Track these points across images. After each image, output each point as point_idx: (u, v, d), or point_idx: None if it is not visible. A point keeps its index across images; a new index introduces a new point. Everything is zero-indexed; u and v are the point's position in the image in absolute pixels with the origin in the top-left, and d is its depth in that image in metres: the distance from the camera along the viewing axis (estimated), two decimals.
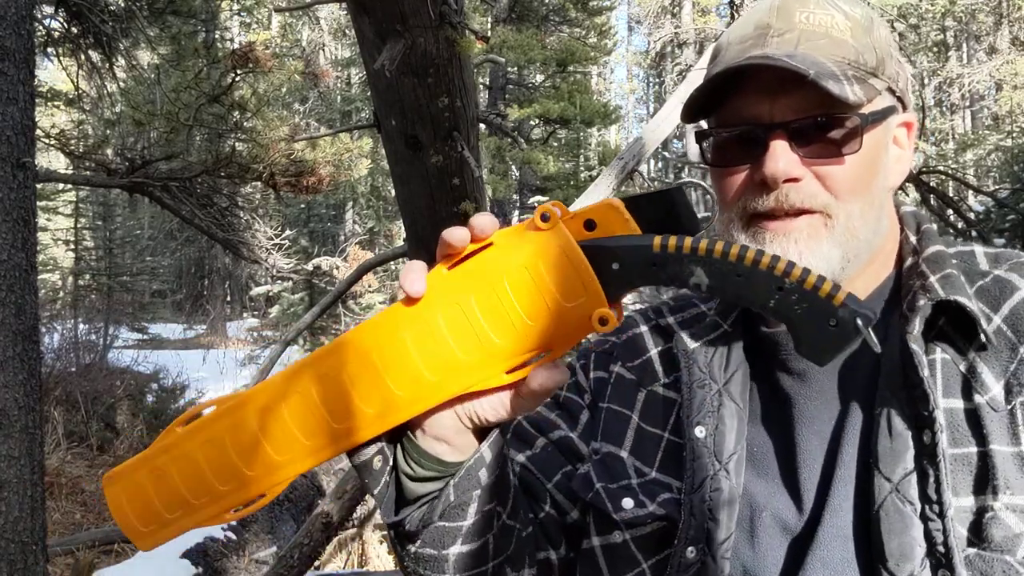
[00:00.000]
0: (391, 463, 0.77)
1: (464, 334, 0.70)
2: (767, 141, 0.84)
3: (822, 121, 0.83)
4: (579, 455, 0.98)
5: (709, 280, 0.63)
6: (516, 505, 0.88)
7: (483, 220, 0.70)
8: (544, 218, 0.68)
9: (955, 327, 0.82)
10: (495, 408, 0.74)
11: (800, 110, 0.83)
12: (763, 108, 0.85)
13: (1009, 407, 0.77)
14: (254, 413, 0.74)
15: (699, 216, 0.68)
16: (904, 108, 0.91)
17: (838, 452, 0.83)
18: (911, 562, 0.75)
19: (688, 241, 0.64)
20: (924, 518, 0.76)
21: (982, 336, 0.80)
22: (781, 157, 0.82)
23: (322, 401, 0.72)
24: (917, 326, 0.81)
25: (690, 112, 0.91)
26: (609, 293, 0.67)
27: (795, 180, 0.83)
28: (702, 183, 0.75)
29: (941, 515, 0.75)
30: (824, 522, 0.82)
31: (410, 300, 0.70)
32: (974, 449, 0.77)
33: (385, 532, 6.48)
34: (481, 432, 0.78)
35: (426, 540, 0.80)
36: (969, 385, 0.79)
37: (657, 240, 0.65)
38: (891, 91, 0.88)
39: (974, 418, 0.78)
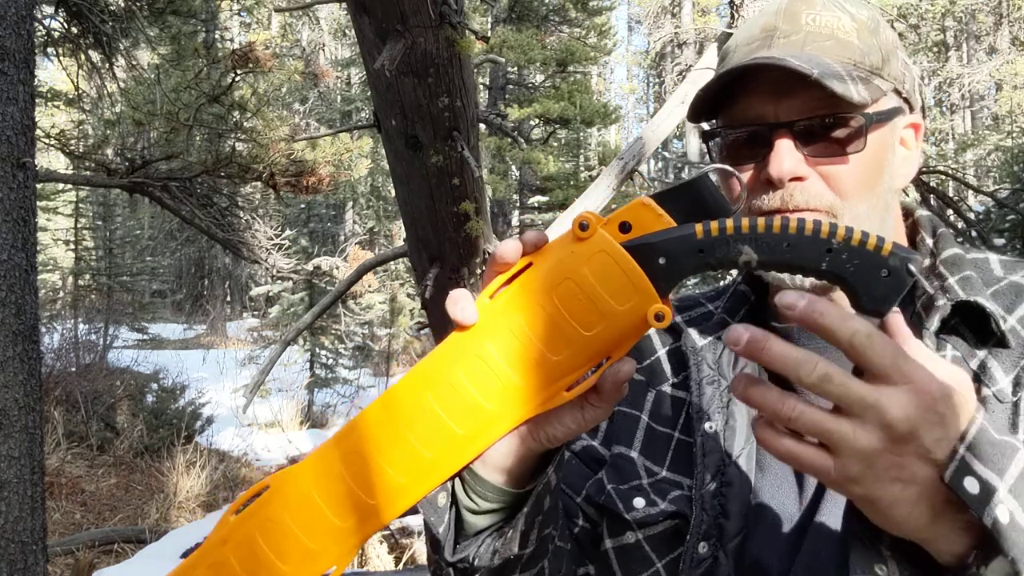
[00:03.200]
0: (451, 499, 0.75)
1: (520, 359, 0.68)
2: (772, 141, 0.84)
3: (827, 121, 0.84)
4: (602, 462, 0.98)
5: (759, 255, 0.63)
6: (564, 526, 0.87)
7: (534, 234, 0.70)
8: (583, 227, 0.67)
9: (968, 326, 0.83)
10: (566, 424, 0.71)
11: (805, 110, 0.84)
12: (768, 108, 0.85)
13: (1015, 399, 0.78)
14: (314, 482, 0.70)
15: (727, 200, 0.68)
16: (911, 109, 0.91)
17: None
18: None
19: (730, 222, 0.64)
20: None
21: (998, 334, 0.81)
22: (786, 156, 0.83)
23: (382, 457, 0.69)
24: (935, 323, 0.82)
25: (696, 112, 0.92)
26: (660, 288, 0.66)
27: (800, 179, 0.84)
28: (728, 167, 0.75)
29: None
30: (822, 509, 0.83)
31: (462, 328, 0.68)
32: None
33: (385, 533, 6.48)
34: (537, 456, 0.75)
35: (484, 573, 0.77)
36: (979, 380, 0.80)
37: (699, 227, 0.64)
38: (897, 92, 0.89)
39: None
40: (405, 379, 0.71)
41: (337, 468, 0.70)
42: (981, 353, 0.82)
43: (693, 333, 0.96)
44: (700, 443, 0.89)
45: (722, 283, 1.07)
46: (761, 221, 0.63)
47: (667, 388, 0.97)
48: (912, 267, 0.62)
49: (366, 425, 0.70)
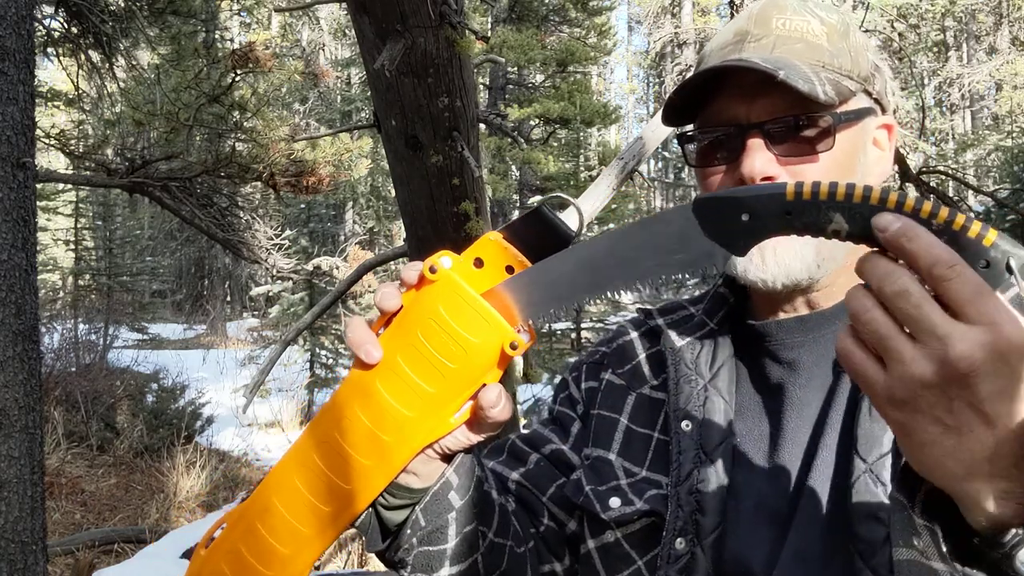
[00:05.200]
0: None
1: (402, 392, 0.75)
2: (744, 141, 0.87)
3: (796, 121, 0.86)
4: (571, 466, 1.02)
5: (849, 226, 0.60)
6: (505, 523, 0.92)
7: (410, 272, 0.76)
8: (432, 270, 0.74)
9: None
10: (456, 439, 0.80)
11: (775, 111, 0.87)
12: (741, 110, 0.88)
13: None
14: (257, 517, 0.80)
15: (567, 225, 0.73)
16: (883, 111, 0.94)
17: (821, 437, 0.86)
18: (877, 543, 0.77)
19: (825, 186, 0.61)
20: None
21: None
22: (757, 156, 0.86)
23: (307, 490, 0.78)
24: None
25: (672, 116, 0.95)
26: (737, 246, 0.66)
27: (772, 178, 0.87)
28: (567, 197, 0.80)
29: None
30: (801, 505, 0.84)
31: (364, 366, 0.76)
32: None
33: None
34: (440, 458, 0.82)
35: (415, 566, 0.84)
36: None
37: (791, 187, 0.62)
38: (868, 93, 0.91)
39: None
40: (314, 421, 0.79)
41: (274, 505, 0.80)
42: None
43: (672, 334, 0.98)
44: (676, 441, 0.91)
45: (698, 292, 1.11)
46: (858, 189, 0.60)
47: (647, 390, 1.00)
48: (1013, 263, 0.57)
49: (292, 470, 0.80)
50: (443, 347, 0.74)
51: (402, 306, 0.76)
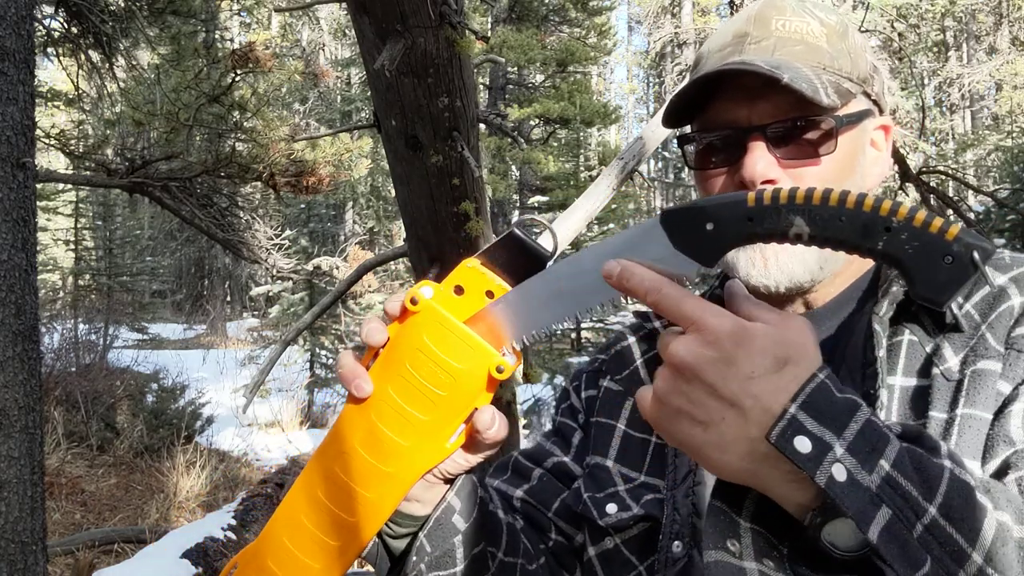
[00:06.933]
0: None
1: (396, 422, 0.76)
2: (746, 144, 0.86)
3: (798, 124, 0.86)
4: (574, 478, 1.01)
5: (810, 229, 0.61)
6: (514, 542, 0.92)
7: (394, 304, 0.77)
8: (413, 302, 0.75)
9: (929, 311, 0.84)
10: (455, 462, 0.80)
11: (777, 114, 0.86)
12: (742, 112, 0.87)
13: (959, 377, 0.79)
14: (269, 556, 0.81)
15: (544, 247, 0.74)
16: (881, 112, 0.94)
17: None
18: None
19: (784, 191, 0.62)
20: None
21: (948, 317, 0.81)
22: (759, 159, 0.85)
23: (315, 526, 0.79)
24: (885, 308, 0.84)
25: (672, 118, 0.94)
26: (705, 256, 0.66)
27: (772, 181, 0.86)
28: (540, 218, 0.82)
29: None
30: None
31: (357, 400, 0.77)
32: (919, 422, 0.79)
33: None
34: (442, 483, 0.83)
35: None
36: (930, 363, 0.81)
37: (751, 194, 0.63)
38: (866, 95, 0.91)
39: (927, 392, 0.80)
40: (315, 457, 0.80)
41: (283, 543, 0.80)
42: (938, 338, 0.82)
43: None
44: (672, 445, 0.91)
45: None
46: (818, 192, 0.61)
47: None
48: (977, 256, 0.58)
49: (294, 510, 0.80)
50: (431, 376, 0.75)
51: (388, 338, 0.77)
